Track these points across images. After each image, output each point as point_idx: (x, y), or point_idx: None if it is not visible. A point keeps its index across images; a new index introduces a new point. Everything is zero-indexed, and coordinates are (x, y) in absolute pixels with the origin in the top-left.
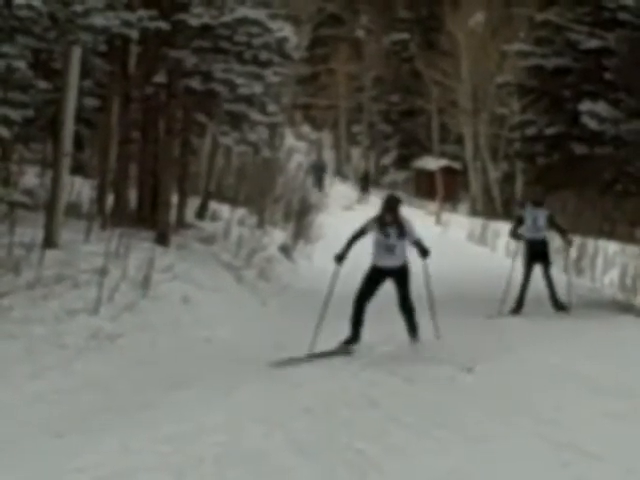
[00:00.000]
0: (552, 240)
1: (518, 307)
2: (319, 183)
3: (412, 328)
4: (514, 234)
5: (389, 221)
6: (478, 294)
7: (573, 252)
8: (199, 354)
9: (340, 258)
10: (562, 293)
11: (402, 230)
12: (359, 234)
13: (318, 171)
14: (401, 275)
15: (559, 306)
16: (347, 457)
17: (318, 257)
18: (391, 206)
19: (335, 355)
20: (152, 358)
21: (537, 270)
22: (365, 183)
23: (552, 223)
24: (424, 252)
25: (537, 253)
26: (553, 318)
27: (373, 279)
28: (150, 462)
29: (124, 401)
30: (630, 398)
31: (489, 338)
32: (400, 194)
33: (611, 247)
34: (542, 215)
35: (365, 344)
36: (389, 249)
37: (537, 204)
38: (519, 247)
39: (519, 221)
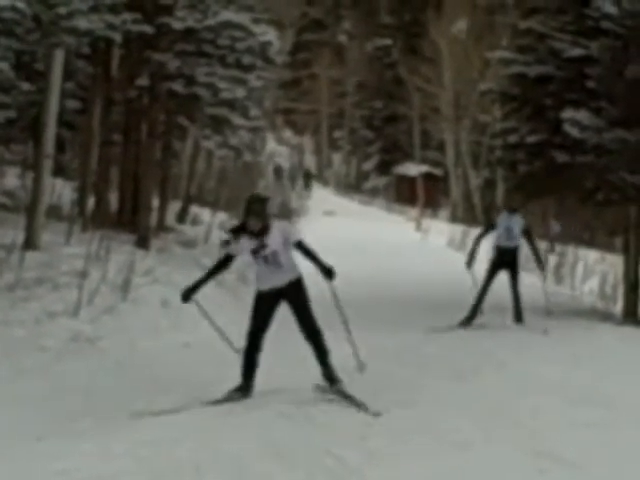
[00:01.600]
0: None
1: (471, 317)
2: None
3: (323, 358)
4: (475, 244)
5: (257, 229)
6: (453, 301)
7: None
8: (178, 358)
9: (187, 296)
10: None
11: (279, 236)
12: (221, 264)
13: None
14: (295, 293)
15: (519, 319)
16: (326, 463)
17: (298, 262)
18: (255, 209)
19: (224, 402)
20: (132, 361)
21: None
22: (307, 180)
23: (527, 237)
24: (327, 272)
25: (504, 261)
26: (514, 330)
27: (262, 311)
28: (129, 466)
29: (104, 404)
30: (607, 407)
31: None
32: (379, 199)
33: (591, 255)
34: (517, 224)
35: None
36: (270, 264)
37: (512, 210)
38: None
39: (488, 228)
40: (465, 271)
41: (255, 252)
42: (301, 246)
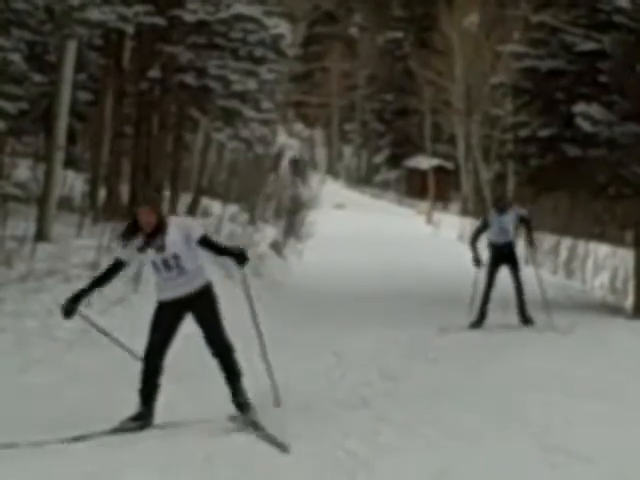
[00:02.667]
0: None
1: (480, 319)
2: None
3: (232, 381)
4: (473, 242)
5: (150, 227)
6: (464, 295)
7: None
8: (189, 348)
9: (69, 310)
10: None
11: (178, 235)
12: (110, 272)
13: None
14: (202, 303)
15: (526, 319)
16: (337, 456)
17: (309, 254)
18: (147, 197)
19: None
20: (142, 352)
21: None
22: (296, 168)
23: (526, 226)
24: (239, 257)
25: (502, 255)
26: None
27: (162, 324)
28: (139, 459)
29: (114, 395)
30: (619, 400)
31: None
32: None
33: (602, 250)
34: (510, 222)
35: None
36: (171, 270)
37: (501, 210)
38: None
39: (483, 225)
40: (476, 269)
41: (151, 255)
42: (206, 242)
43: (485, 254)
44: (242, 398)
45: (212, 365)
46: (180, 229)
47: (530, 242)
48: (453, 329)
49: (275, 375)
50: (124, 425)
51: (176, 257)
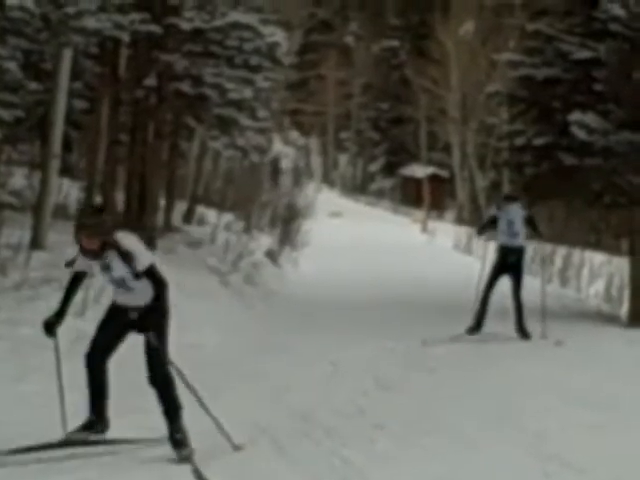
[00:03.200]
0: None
1: (476, 327)
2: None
3: (169, 414)
4: (481, 231)
5: (93, 248)
6: (460, 304)
7: (557, 260)
8: (184, 358)
9: (51, 328)
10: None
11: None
12: (73, 283)
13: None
14: (146, 323)
15: (524, 332)
16: (334, 465)
17: (304, 263)
18: (84, 224)
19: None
20: (137, 362)
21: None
22: (276, 172)
23: (531, 226)
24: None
25: (509, 264)
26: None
27: (112, 324)
28: (136, 464)
29: (110, 404)
30: (613, 410)
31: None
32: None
33: (597, 258)
34: (518, 215)
35: None
36: (119, 287)
37: (510, 199)
38: (487, 247)
39: (492, 221)
40: (470, 271)
41: (102, 269)
42: (150, 275)
43: (491, 258)
44: (178, 435)
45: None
46: (127, 253)
47: (539, 235)
48: (438, 341)
49: (272, 382)
50: (73, 436)
51: (122, 279)
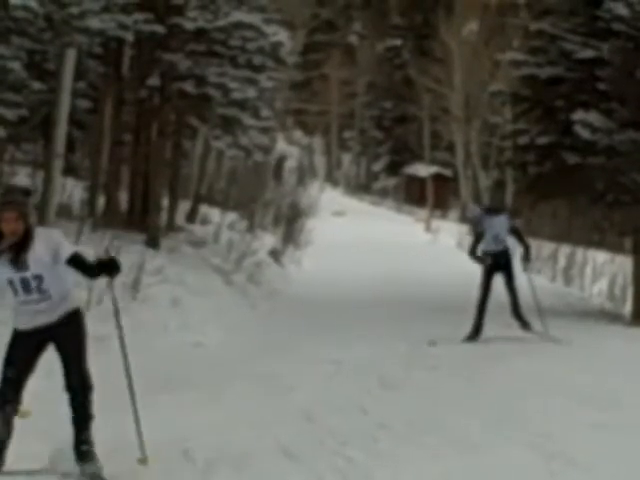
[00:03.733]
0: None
1: (475, 333)
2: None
3: (80, 424)
4: (473, 253)
5: (16, 241)
6: (464, 303)
7: (564, 262)
8: (189, 357)
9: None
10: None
11: (45, 252)
12: None
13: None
14: (66, 332)
15: (522, 321)
16: (336, 464)
17: (307, 262)
18: (12, 200)
19: None
20: (141, 361)
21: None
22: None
23: (517, 236)
24: (109, 267)
25: (498, 264)
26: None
27: (18, 356)
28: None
29: (112, 403)
30: (618, 408)
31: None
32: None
33: (600, 256)
34: (503, 226)
35: None
36: (32, 293)
37: (494, 211)
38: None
39: (477, 239)
40: (473, 270)
41: (15, 269)
42: (76, 261)
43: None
44: (86, 446)
45: None
46: (48, 244)
47: (525, 255)
48: (442, 342)
49: (275, 381)
50: None
51: (38, 278)
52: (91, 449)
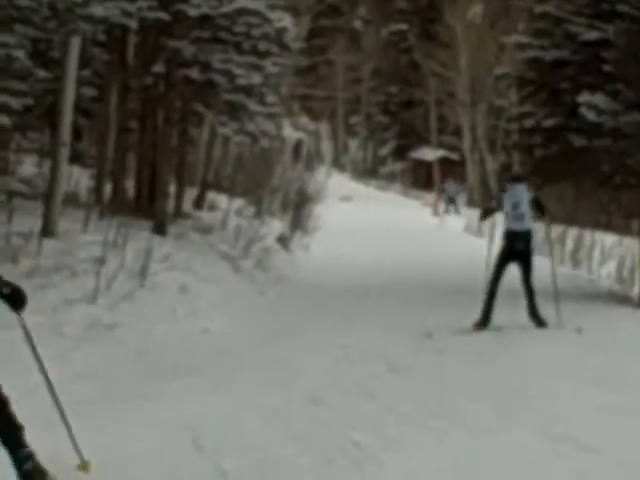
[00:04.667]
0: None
1: (484, 320)
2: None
3: (10, 443)
4: (485, 215)
5: None
6: (470, 288)
7: (559, 238)
8: (197, 344)
9: None
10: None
11: None
12: None
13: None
14: None
15: (539, 320)
16: (344, 448)
17: (315, 248)
18: None
19: None
20: (150, 348)
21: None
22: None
23: (538, 208)
24: (12, 299)
25: (516, 251)
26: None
27: None
28: (148, 451)
29: (121, 391)
30: (626, 390)
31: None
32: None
33: (608, 239)
34: (525, 197)
35: None
36: None
37: (517, 179)
38: (494, 227)
39: (495, 208)
40: (482, 254)
41: None
42: None
43: (497, 245)
44: (27, 466)
45: None
46: None
47: (541, 213)
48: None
49: (283, 366)
50: None
51: None
52: (36, 465)
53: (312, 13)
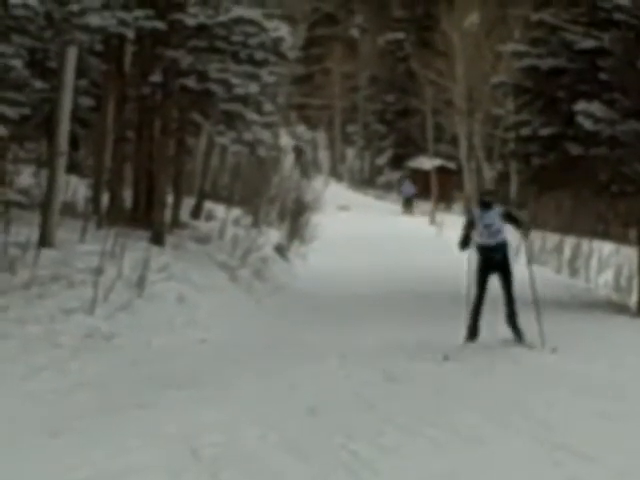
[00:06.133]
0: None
1: (471, 334)
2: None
3: None
4: (464, 242)
5: None
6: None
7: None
8: (194, 354)
9: None
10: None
11: None
12: None
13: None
14: None
15: (516, 329)
16: (342, 458)
17: (313, 257)
18: None
19: None
20: (147, 358)
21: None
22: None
23: (508, 218)
24: None
25: (492, 261)
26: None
27: None
28: (145, 462)
29: (119, 401)
30: (622, 399)
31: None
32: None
33: (606, 248)
34: (497, 218)
35: None
36: None
37: (486, 205)
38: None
39: (469, 225)
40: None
41: None
42: None
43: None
44: None
45: None
46: None
47: (523, 231)
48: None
49: (280, 376)
50: None
51: None
52: None
53: (308, 22)
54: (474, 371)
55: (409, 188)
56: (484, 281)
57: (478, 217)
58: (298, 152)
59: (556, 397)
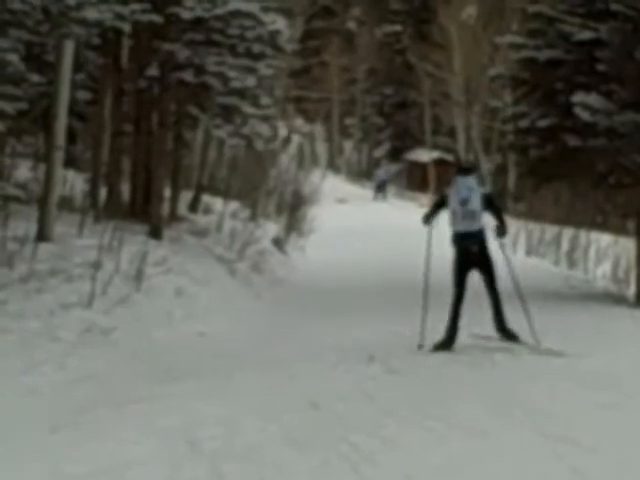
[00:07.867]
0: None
1: (449, 340)
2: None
3: None
4: (428, 218)
5: None
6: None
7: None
8: (193, 347)
9: None
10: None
11: None
12: None
13: None
14: None
15: (506, 332)
16: (343, 451)
17: (311, 250)
18: None
19: None
20: (146, 352)
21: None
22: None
23: (491, 208)
24: None
25: (469, 253)
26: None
27: None
28: (145, 455)
29: (118, 395)
30: (621, 389)
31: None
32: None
33: (604, 239)
34: (475, 191)
35: None
36: None
37: (465, 170)
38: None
39: (441, 203)
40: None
41: None
42: None
43: (449, 251)
44: None
45: None
46: None
47: (500, 228)
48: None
49: (279, 369)
50: None
51: None
52: None
53: (306, 15)
54: (474, 363)
55: (383, 173)
56: (462, 280)
57: (453, 192)
58: (301, 146)
59: (556, 388)
